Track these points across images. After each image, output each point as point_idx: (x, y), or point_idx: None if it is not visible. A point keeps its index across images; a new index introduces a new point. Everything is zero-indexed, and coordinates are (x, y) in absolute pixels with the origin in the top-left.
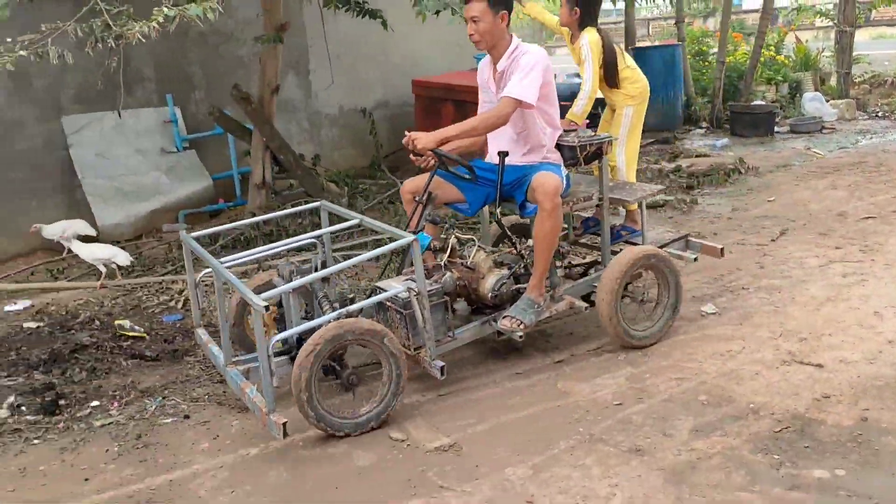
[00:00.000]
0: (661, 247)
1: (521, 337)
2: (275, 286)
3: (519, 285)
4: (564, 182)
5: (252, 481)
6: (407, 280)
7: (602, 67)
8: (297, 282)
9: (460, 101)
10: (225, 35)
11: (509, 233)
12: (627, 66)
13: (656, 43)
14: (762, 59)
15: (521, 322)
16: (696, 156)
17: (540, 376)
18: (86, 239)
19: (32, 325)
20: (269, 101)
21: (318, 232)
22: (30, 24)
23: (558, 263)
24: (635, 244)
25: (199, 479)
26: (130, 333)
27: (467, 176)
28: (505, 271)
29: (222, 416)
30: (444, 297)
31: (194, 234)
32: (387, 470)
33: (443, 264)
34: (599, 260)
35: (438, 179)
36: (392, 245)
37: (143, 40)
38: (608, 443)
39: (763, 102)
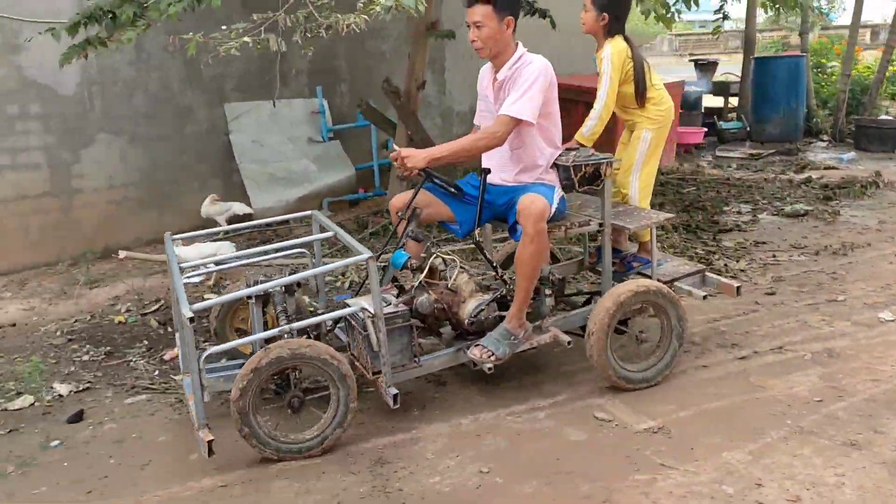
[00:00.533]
0: (672, 281)
1: (490, 369)
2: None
3: (501, 312)
4: (555, 205)
5: (472, 448)
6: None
7: (626, 83)
8: (232, 295)
9: (591, 103)
10: (371, 30)
11: (487, 256)
12: (654, 84)
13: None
14: (887, 73)
15: (493, 354)
16: (825, 168)
17: (727, 370)
18: (240, 220)
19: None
20: (415, 95)
21: (305, 239)
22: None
23: (548, 292)
24: (647, 276)
25: (421, 442)
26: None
27: (454, 192)
28: (487, 297)
29: (424, 388)
30: (408, 320)
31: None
32: (602, 447)
33: (417, 285)
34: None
35: (430, 196)
36: (346, 261)
37: (357, 31)
38: (820, 436)
39: (889, 117)
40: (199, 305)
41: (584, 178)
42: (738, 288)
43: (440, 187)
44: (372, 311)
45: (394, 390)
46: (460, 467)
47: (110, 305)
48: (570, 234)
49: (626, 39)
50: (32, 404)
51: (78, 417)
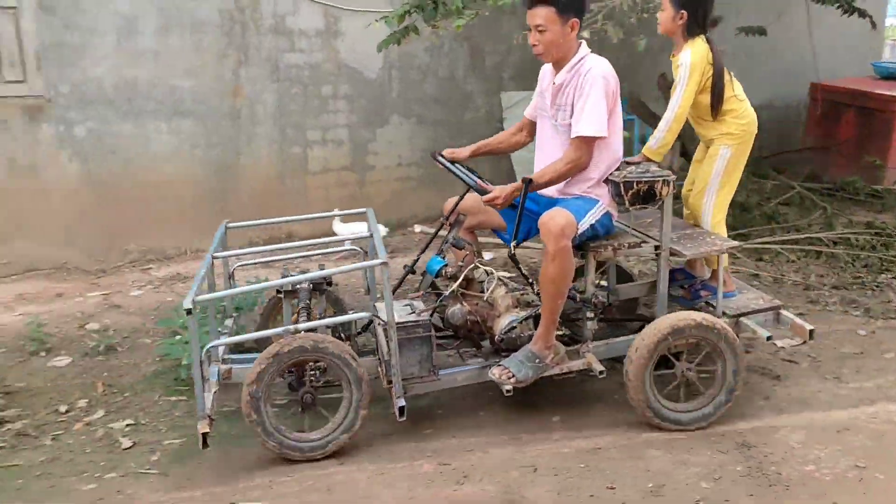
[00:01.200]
0: (739, 315)
1: (508, 391)
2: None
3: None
4: (590, 221)
5: (835, 442)
6: (407, 304)
7: (703, 92)
8: (242, 289)
9: (866, 108)
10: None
11: (523, 271)
12: (735, 94)
13: None
14: None
15: (514, 375)
16: None
17: None
18: None
19: None
20: None
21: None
22: None
23: (590, 315)
24: (713, 307)
25: (781, 431)
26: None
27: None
28: (522, 313)
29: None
30: (429, 330)
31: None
32: None
33: (450, 295)
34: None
35: (481, 203)
36: (358, 265)
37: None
38: None
39: None
40: (202, 297)
41: (637, 196)
42: (811, 331)
43: (477, 191)
44: (384, 320)
45: (401, 402)
46: (832, 459)
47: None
48: (620, 254)
49: (708, 41)
50: None
51: None
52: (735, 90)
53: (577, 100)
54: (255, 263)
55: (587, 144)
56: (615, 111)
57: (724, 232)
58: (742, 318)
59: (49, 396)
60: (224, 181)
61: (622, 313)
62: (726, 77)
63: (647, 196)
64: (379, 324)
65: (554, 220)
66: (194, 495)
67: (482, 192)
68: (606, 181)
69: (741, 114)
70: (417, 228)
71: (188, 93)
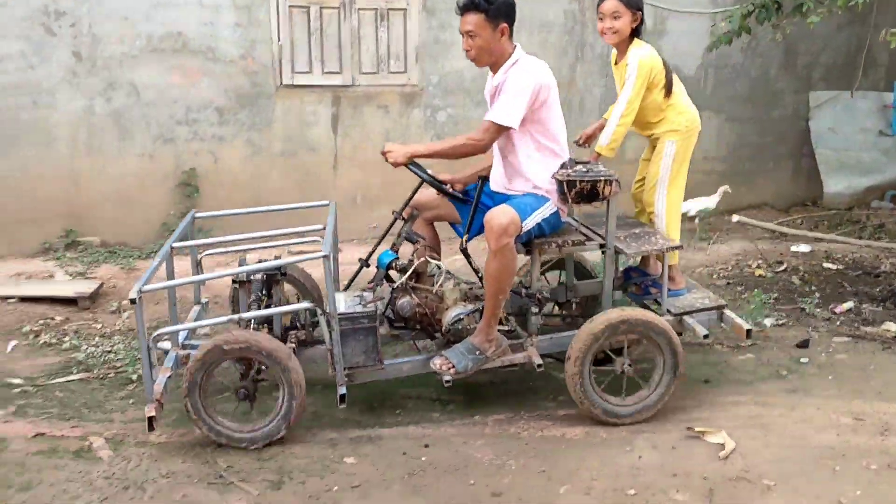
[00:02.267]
0: (683, 314)
1: (447, 382)
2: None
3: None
4: (537, 219)
5: None
6: (357, 295)
7: (650, 90)
8: (174, 282)
9: None
10: None
11: (473, 265)
12: (676, 91)
13: None
14: None
15: (453, 366)
16: None
17: None
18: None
19: (831, 266)
20: None
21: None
22: None
23: (535, 310)
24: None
25: None
26: None
27: (454, 193)
28: (469, 307)
29: None
30: (374, 321)
31: None
32: None
33: (400, 287)
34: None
35: (440, 198)
36: (303, 258)
37: None
38: None
39: None
40: (147, 287)
41: (581, 195)
42: (748, 331)
43: (430, 185)
44: (322, 310)
45: (342, 390)
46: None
47: (739, 260)
48: (565, 251)
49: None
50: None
51: (805, 344)
52: (676, 88)
53: (501, 94)
54: (234, 251)
55: (490, 132)
56: (547, 107)
57: (677, 229)
58: (685, 317)
59: None
60: None
61: (584, 310)
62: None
63: (590, 195)
64: (321, 314)
65: (497, 218)
66: None
67: (442, 189)
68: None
69: (682, 110)
70: (735, 218)
71: None
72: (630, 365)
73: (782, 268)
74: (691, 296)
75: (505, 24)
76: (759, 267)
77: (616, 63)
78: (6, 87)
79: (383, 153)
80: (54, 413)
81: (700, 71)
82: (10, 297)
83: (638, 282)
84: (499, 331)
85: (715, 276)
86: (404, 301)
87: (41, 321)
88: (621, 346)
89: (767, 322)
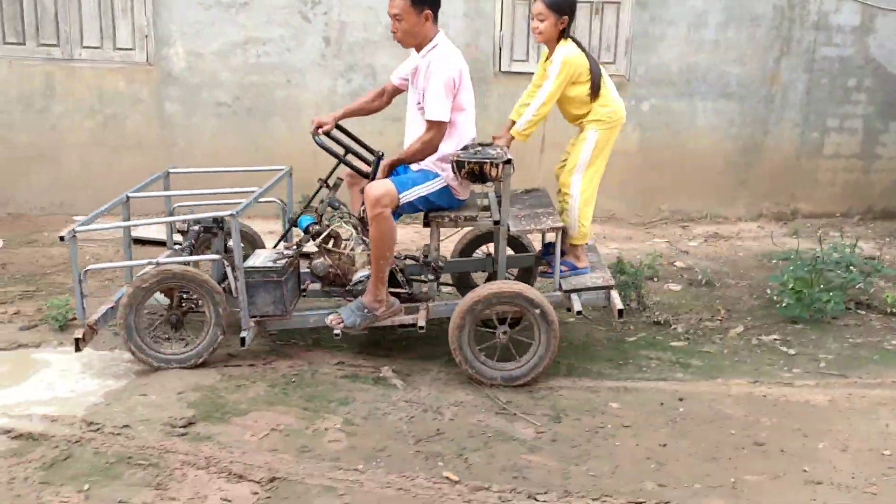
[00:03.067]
0: (572, 291)
1: (337, 335)
2: None
3: (390, 289)
4: (421, 193)
5: None
6: (278, 252)
7: (575, 84)
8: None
9: None
10: None
11: (365, 238)
12: (605, 85)
13: None
14: None
15: (343, 322)
16: None
17: None
18: None
19: None
20: None
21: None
22: None
23: (431, 277)
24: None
25: None
26: None
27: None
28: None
29: None
30: (282, 276)
31: None
32: None
33: (318, 249)
34: None
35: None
36: (206, 215)
37: None
38: None
39: None
40: (81, 228)
41: (472, 175)
42: (620, 311)
43: (344, 163)
44: (228, 262)
45: (244, 333)
46: None
47: None
48: (461, 225)
49: (576, 42)
50: None
51: None
52: (606, 82)
53: (425, 85)
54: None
55: (436, 128)
56: (462, 92)
57: (589, 214)
58: (573, 294)
59: (687, 311)
60: (748, 157)
61: (518, 280)
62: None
63: (480, 176)
64: (227, 267)
65: (373, 190)
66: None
67: (359, 171)
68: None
69: (607, 102)
70: None
71: (734, 78)
72: (505, 333)
73: None
74: (590, 275)
75: (429, 11)
76: None
77: (546, 60)
78: (267, 67)
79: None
80: (345, 347)
81: None
82: None
83: (548, 261)
84: (397, 294)
85: None
86: (318, 262)
87: None
88: (505, 316)
89: None
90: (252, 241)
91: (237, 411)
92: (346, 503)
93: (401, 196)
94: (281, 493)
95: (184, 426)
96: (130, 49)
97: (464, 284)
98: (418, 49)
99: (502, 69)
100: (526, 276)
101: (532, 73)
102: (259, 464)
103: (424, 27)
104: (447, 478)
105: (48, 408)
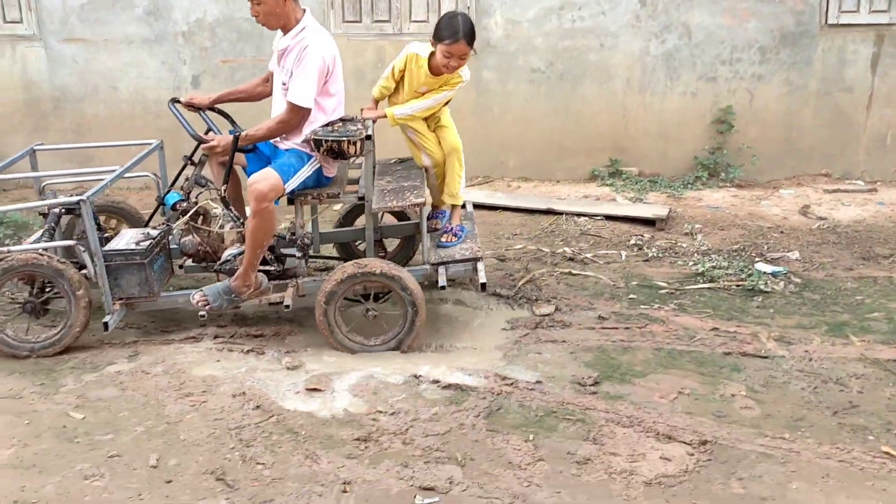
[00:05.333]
0: (440, 264)
1: (202, 316)
2: None
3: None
4: (301, 179)
5: None
6: (144, 232)
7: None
8: None
9: None
10: None
11: (233, 213)
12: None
13: None
14: None
15: (209, 303)
16: None
17: None
18: None
19: None
20: None
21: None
22: None
23: (299, 255)
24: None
25: None
26: None
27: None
28: (242, 248)
29: None
30: (146, 258)
31: None
32: None
33: (185, 228)
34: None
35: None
36: (59, 201)
37: None
38: None
39: None
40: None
41: (331, 152)
42: (483, 284)
43: (194, 138)
44: (84, 247)
45: (107, 318)
46: None
47: None
48: (325, 204)
49: None
50: None
51: None
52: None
53: (294, 67)
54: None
55: (296, 112)
56: (333, 78)
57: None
58: (440, 267)
59: None
60: None
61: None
62: None
63: (339, 153)
64: (83, 251)
65: (258, 184)
66: None
67: (201, 141)
68: None
69: None
70: None
71: None
72: (370, 310)
73: None
74: (460, 247)
75: None
76: None
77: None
78: (580, 31)
79: (206, 149)
80: (711, 313)
81: None
82: (596, 214)
83: (433, 220)
84: (266, 272)
85: None
86: (187, 239)
87: (634, 237)
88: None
89: None
90: (131, 219)
91: (635, 373)
92: (792, 471)
93: (286, 185)
94: (719, 457)
95: (592, 384)
96: None
97: (349, 254)
98: (285, 30)
99: (829, 22)
100: (409, 244)
101: (863, 24)
102: (682, 426)
103: (286, 7)
104: (887, 453)
105: (460, 361)
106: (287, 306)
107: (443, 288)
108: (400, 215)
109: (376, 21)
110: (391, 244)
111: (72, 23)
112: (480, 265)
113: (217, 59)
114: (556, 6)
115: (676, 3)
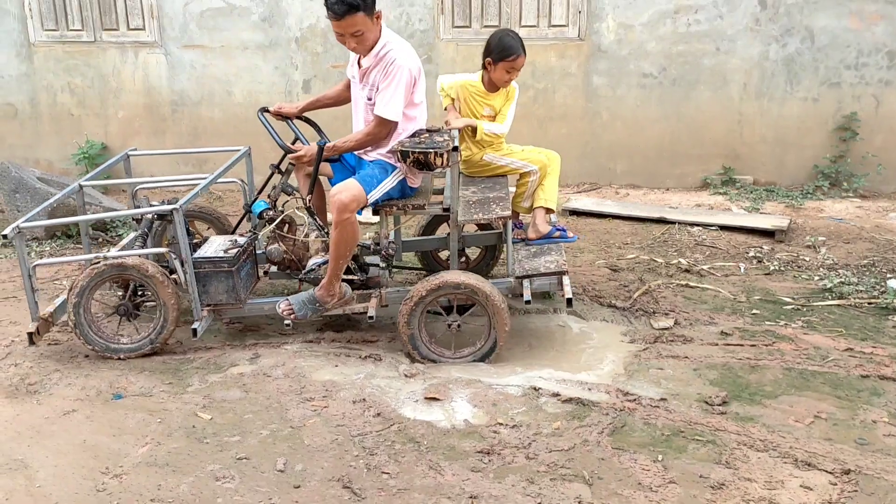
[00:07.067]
0: (524, 277)
1: (287, 325)
2: None
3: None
4: (384, 189)
5: None
6: (231, 240)
7: None
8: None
9: None
10: None
11: (319, 222)
12: None
13: None
14: None
15: (294, 312)
16: None
17: None
18: None
19: None
20: None
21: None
22: None
23: (383, 265)
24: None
25: None
26: None
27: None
28: (326, 257)
29: None
30: (233, 266)
31: None
32: None
33: (272, 236)
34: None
35: None
36: (153, 209)
37: None
38: None
39: None
40: (25, 224)
41: (417, 164)
42: (569, 300)
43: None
44: (175, 255)
45: (195, 325)
46: None
47: None
48: (409, 214)
49: None
50: None
51: None
52: None
53: (381, 82)
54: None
55: (385, 125)
56: (416, 91)
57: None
58: (524, 280)
59: None
60: None
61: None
62: None
63: (425, 164)
64: (174, 258)
65: (339, 195)
66: None
67: (288, 150)
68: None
69: None
70: None
71: None
72: (455, 322)
73: None
74: (543, 259)
75: (380, 10)
76: None
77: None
78: (695, 36)
79: (293, 160)
80: (842, 332)
81: None
82: (711, 224)
83: (522, 231)
84: (349, 281)
85: None
86: (273, 248)
87: (753, 249)
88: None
89: None
90: (220, 226)
91: (765, 393)
92: None
93: (369, 196)
94: (864, 488)
95: (720, 404)
96: (563, 26)
97: (430, 262)
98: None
99: None
100: (490, 253)
101: None
102: (821, 452)
103: (377, 29)
104: None
105: (579, 375)
106: (371, 317)
107: (528, 303)
108: (482, 224)
109: (486, 26)
110: (472, 252)
111: (191, 30)
112: (566, 279)
113: (327, 63)
114: (670, 10)
115: (799, 6)
